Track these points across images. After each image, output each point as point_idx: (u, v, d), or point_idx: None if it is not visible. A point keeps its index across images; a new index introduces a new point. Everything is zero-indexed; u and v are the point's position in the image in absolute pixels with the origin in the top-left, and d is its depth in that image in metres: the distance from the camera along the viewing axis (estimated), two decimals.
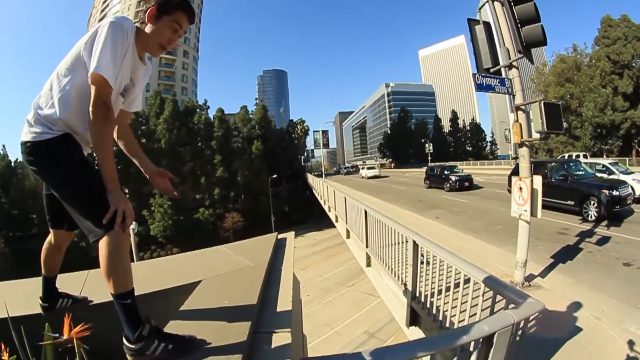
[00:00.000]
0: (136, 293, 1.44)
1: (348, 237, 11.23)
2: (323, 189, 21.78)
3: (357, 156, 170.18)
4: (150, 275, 2.58)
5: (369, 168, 50.54)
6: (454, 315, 3.57)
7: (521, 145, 5.81)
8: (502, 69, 5.95)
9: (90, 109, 1.40)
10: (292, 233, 3.83)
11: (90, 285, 2.28)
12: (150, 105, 50.81)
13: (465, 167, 41.64)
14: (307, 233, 44.45)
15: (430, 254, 4.32)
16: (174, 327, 1.57)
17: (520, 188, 5.82)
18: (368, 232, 8.06)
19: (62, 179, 1.49)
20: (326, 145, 67.89)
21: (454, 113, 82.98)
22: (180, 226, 42.52)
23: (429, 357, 1.83)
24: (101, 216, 1.38)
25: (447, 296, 3.84)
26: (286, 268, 2.48)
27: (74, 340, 1.41)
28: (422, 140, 66.83)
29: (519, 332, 1.87)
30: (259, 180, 51.08)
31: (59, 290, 1.99)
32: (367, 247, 8.25)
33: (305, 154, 72.05)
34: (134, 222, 5.71)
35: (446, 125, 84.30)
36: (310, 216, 51.01)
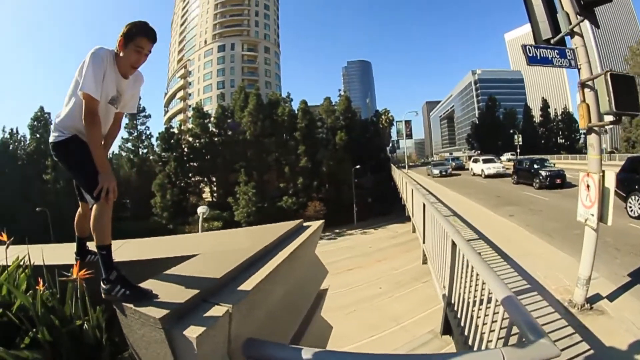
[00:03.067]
0: (147, 257, 2.15)
1: (414, 231, 11.06)
2: (400, 180, 21.53)
3: (445, 147, 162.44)
4: (165, 246, 2.98)
5: (486, 161, 29.81)
6: (477, 333, 3.25)
7: (589, 131, 4.81)
8: (567, 40, 4.97)
9: (83, 116, 1.96)
10: (320, 222, 3.87)
11: (117, 251, 2.70)
12: (235, 100, 54.24)
13: (557, 162, 35.46)
14: (388, 225, 43.99)
15: (464, 257, 3.85)
16: (148, 283, 1.91)
17: (588, 186, 4.80)
18: (426, 226, 7.86)
19: (72, 167, 2.11)
20: (409, 135, 65.78)
21: (545, 101, 75.68)
22: (264, 213, 44.78)
23: None
24: (93, 191, 1.92)
25: (473, 311, 3.46)
26: (282, 253, 2.60)
27: (78, 280, 1.92)
28: (511, 131, 61.47)
29: None
30: (342, 170, 51.61)
31: (89, 249, 2.54)
32: (423, 242, 8.05)
33: (391, 145, 70.86)
34: (203, 207, 6.46)
35: (536, 115, 77.09)
36: (394, 208, 50.40)
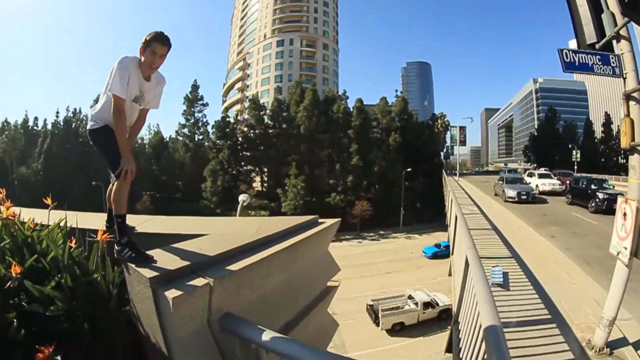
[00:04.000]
0: (164, 232, 2.71)
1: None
2: (446, 187, 21.20)
3: (501, 157, 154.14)
4: (183, 225, 3.37)
5: (542, 176, 27.80)
6: (466, 358, 3.02)
7: (632, 151, 4.21)
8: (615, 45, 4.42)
9: (112, 111, 2.41)
10: (336, 220, 3.93)
11: (143, 224, 3.12)
12: (291, 94, 55.34)
13: (616, 184, 31.20)
14: (434, 232, 43.18)
15: (472, 278, 3.48)
16: (154, 251, 2.24)
17: (625, 214, 4.23)
18: (455, 239, 7.76)
19: (102, 150, 2.54)
20: (463, 142, 63.61)
21: (608, 117, 69.67)
22: (311, 207, 45.48)
23: None
24: (116, 170, 2.35)
25: (469, 333, 3.16)
26: (285, 243, 2.80)
27: (101, 241, 2.28)
28: (569, 146, 57.12)
29: None
30: (393, 171, 51.24)
31: None
32: (452, 254, 7.93)
33: (445, 150, 68.92)
34: (245, 194, 6.91)
35: (597, 131, 71.03)
36: (442, 215, 49.20)
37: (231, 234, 2.90)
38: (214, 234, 2.90)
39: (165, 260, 2.11)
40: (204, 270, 2.06)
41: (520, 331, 4.67)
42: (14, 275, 1.89)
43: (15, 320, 1.84)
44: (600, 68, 4.46)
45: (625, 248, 4.16)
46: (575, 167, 48.30)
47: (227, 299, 2.06)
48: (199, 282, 1.91)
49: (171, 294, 1.75)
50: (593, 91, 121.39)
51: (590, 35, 4.56)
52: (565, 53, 4.46)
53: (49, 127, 54.24)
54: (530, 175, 29.64)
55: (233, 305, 2.10)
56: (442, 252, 31.72)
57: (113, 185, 2.45)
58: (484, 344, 2.25)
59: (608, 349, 4.38)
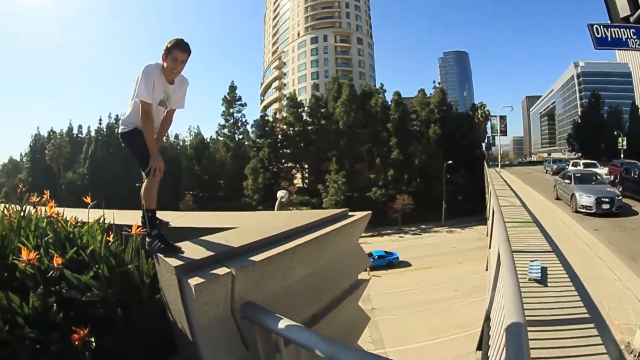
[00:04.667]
0: (196, 225, 2.90)
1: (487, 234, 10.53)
2: (487, 179, 20.38)
3: (544, 147, 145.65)
4: (214, 219, 3.53)
5: (587, 165, 26.63)
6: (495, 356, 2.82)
7: None
8: None
9: (140, 115, 2.59)
10: (366, 213, 3.90)
11: (177, 220, 3.28)
12: (329, 90, 55.43)
13: None
14: (476, 226, 41.86)
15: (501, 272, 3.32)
16: (183, 243, 2.39)
17: None
18: (492, 233, 7.50)
19: (133, 151, 2.71)
20: (503, 132, 61.00)
21: None
22: (352, 202, 45.35)
23: None
24: (146, 169, 2.53)
25: (498, 330, 2.94)
26: (311, 236, 2.84)
27: (134, 235, 2.43)
28: (615, 133, 52.75)
29: None
30: (434, 164, 50.29)
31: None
32: (489, 247, 7.68)
33: (487, 141, 66.53)
34: (283, 191, 7.03)
35: None
36: (485, 209, 47.50)
37: (258, 227, 2.98)
38: (242, 227, 3.00)
39: (192, 251, 2.23)
40: (228, 261, 2.15)
41: (555, 330, 4.45)
42: (55, 265, 2.08)
43: (55, 305, 2.02)
44: (636, 42, 4.17)
45: None
46: (622, 155, 44.86)
47: (250, 288, 2.14)
48: (222, 271, 2.00)
49: (194, 281, 1.84)
50: (638, 73, 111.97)
51: (623, 7, 4.20)
52: (596, 28, 4.19)
53: (93, 133, 57.84)
54: (575, 165, 27.84)
55: (256, 295, 2.16)
56: (375, 263, 29.52)
57: (143, 182, 2.63)
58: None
59: None
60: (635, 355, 4.04)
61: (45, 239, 2.45)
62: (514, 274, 2.78)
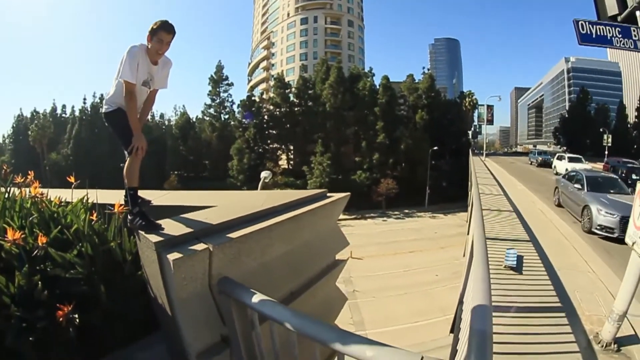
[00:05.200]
0: (177, 204, 2.91)
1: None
2: (471, 165, 20.64)
3: (530, 138, 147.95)
4: (195, 198, 3.62)
5: (572, 160, 25.83)
6: (461, 337, 2.80)
7: None
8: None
9: (123, 95, 2.63)
10: (344, 194, 3.99)
11: (159, 198, 3.35)
12: (317, 72, 55.00)
13: None
14: (459, 212, 42.47)
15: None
16: (164, 221, 2.46)
17: None
18: (472, 218, 7.73)
19: (116, 130, 2.76)
20: (490, 121, 61.71)
21: None
22: (336, 185, 45.44)
23: None
24: (128, 147, 2.59)
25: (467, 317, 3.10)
26: (288, 215, 2.93)
27: (117, 213, 2.51)
28: (601, 130, 54.02)
29: None
30: (419, 150, 50.59)
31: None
32: (467, 233, 7.89)
33: (473, 129, 67.29)
34: (266, 172, 7.13)
35: (631, 115, 66.75)
36: (468, 195, 48.24)
37: (237, 206, 3.08)
38: (221, 205, 3.09)
39: (172, 228, 2.32)
40: (206, 237, 2.25)
41: (527, 317, 4.59)
42: (40, 245, 2.16)
43: (40, 283, 2.11)
44: (620, 41, 4.17)
45: None
46: (606, 152, 46.05)
47: (227, 264, 2.24)
48: (200, 247, 2.10)
49: (172, 256, 1.94)
50: (628, 73, 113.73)
51: (611, 6, 4.19)
52: (581, 24, 4.20)
53: (77, 113, 56.53)
54: (560, 158, 27.47)
55: (233, 271, 2.27)
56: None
57: (125, 160, 2.69)
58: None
59: (615, 345, 4.09)
60: (602, 346, 4.12)
61: (30, 219, 2.53)
62: (485, 261, 2.90)
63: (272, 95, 58.22)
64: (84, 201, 2.92)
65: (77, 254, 2.34)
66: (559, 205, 12.92)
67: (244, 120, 54.96)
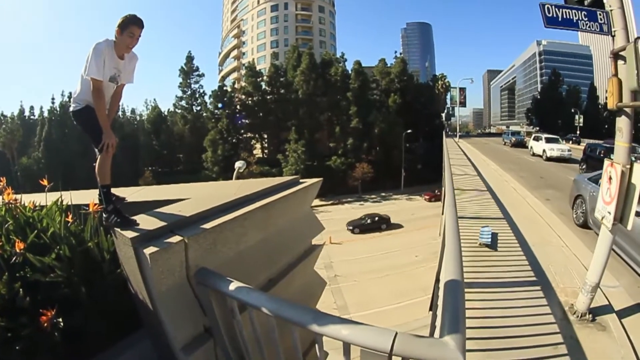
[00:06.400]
0: (151, 199, 2.92)
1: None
2: (445, 147, 20.98)
3: (503, 119, 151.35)
4: (169, 192, 3.64)
5: (549, 140, 23.64)
6: (439, 314, 2.76)
7: (619, 112, 3.90)
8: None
9: (91, 92, 2.62)
10: (316, 180, 4.05)
11: (133, 195, 3.38)
12: (288, 59, 54.75)
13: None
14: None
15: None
16: (138, 216, 2.48)
17: (610, 178, 3.94)
18: (444, 199, 7.83)
19: (85, 128, 2.75)
20: (462, 103, 62.98)
21: None
22: (312, 171, 45.51)
23: None
24: (99, 145, 2.60)
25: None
26: (260, 202, 3.00)
27: (92, 212, 2.54)
28: (572, 110, 55.71)
29: None
30: (393, 133, 51.31)
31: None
32: (442, 213, 8.06)
33: (447, 112, 68.42)
34: (240, 162, 7.09)
35: (602, 97, 68.21)
36: (443, 176, 49.00)
37: (210, 197, 3.09)
38: (194, 197, 3.15)
39: (147, 222, 2.36)
40: (181, 230, 2.31)
41: (503, 292, 4.72)
42: (18, 251, 2.18)
43: (21, 290, 2.14)
44: (586, 24, 4.17)
45: (610, 213, 3.92)
46: (578, 132, 47.76)
47: (203, 255, 2.31)
48: (175, 239, 2.16)
49: (149, 250, 2.00)
50: (599, 56, 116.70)
51: None
52: (547, 8, 4.16)
53: (46, 114, 54.54)
54: (537, 139, 25.97)
55: (210, 261, 2.34)
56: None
57: (96, 159, 2.69)
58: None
59: (590, 315, 4.25)
60: (578, 316, 4.27)
61: (6, 226, 2.51)
62: (457, 239, 3.01)
63: (243, 84, 57.48)
64: (59, 203, 2.91)
65: (56, 257, 2.36)
66: (584, 225, 7.74)
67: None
